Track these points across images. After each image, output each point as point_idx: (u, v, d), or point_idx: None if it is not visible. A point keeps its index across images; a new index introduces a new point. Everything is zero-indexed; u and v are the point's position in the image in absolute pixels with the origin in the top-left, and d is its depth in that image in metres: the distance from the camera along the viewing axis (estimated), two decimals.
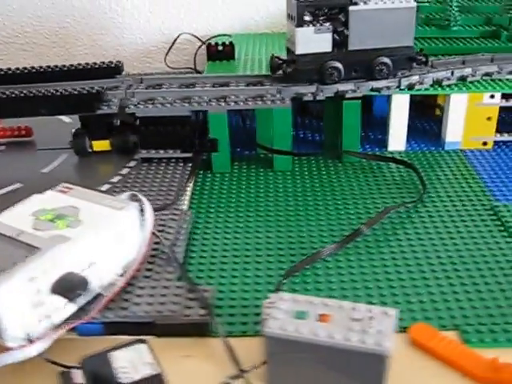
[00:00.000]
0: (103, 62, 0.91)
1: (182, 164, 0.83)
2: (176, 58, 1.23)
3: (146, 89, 0.86)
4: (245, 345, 0.54)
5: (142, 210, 0.62)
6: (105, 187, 0.79)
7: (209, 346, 0.55)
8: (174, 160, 0.84)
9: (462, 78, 0.88)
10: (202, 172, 0.85)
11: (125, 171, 0.83)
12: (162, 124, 0.82)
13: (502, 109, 0.87)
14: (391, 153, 0.89)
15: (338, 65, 0.82)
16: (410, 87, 0.85)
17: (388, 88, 0.84)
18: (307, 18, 0.80)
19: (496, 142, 0.90)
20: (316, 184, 0.81)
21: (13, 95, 0.82)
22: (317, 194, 0.79)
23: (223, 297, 0.61)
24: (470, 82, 0.87)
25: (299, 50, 0.81)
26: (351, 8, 0.80)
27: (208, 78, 0.87)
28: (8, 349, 0.50)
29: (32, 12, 1.19)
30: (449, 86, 0.86)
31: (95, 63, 0.91)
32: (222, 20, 1.20)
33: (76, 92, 0.81)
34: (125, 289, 0.59)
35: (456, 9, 1.00)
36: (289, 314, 0.50)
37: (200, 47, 1.17)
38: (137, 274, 0.61)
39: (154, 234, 0.64)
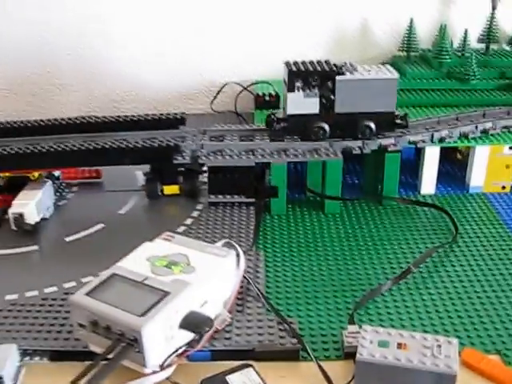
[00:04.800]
0: (168, 114, 1.04)
1: (245, 207, 0.95)
2: (216, 101, 1.37)
3: (211, 140, 0.98)
4: (328, 367, 0.66)
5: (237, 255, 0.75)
6: (181, 229, 0.91)
7: (298, 368, 0.67)
8: (237, 204, 0.97)
9: (485, 131, 1.01)
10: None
11: (195, 214, 0.95)
12: (229, 172, 0.94)
13: None
14: (423, 196, 1.02)
15: (324, 125, 0.94)
16: (441, 140, 0.98)
17: (423, 142, 0.97)
18: (298, 84, 0.92)
19: None
20: (363, 226, 0.94)
21: (101, 146, 0.94)
22: (365, 235, 0.92)
23: (303, 327, 0.73)
24: (491, 135, 1.01)
25: (289, 111, 0.94)
26: (338, 78, 0.92)
27: (262, 131, 1.00)
28: (145, 374, 0.62)
29: None
30: (473, 138, 1.00)
31: (162, 114, 1.04)
32: (259, 67, 1.33)
33: (156, 145, 0.93)
34: None
35: (475, 63, 1.14)
36: (373, 343, 0.62)
37: (241, 92, 1.32)
38: (231, 309, 0.73)
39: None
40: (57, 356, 0.69)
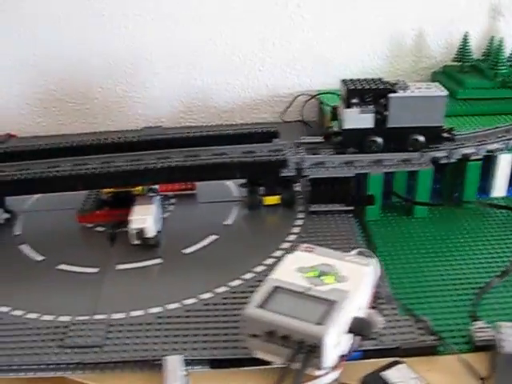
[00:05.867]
0: (262, 127, 1.12)
1: (344, 215, 1.04)
2: (280, 110, 1.46)
3: (307, 152, 1.07)
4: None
5: None
6: (291, 237, 0.99)
7: (438, 362, 0.77)
8: (336, 212, 1.05)
9: None
10: (357, 220, 1.06)
11: (299, 222, 1.03)
12: (329, 183, 1.03)
13: None
14: (496, 198, 1.13)
15: (378, 138, 1.04)
16: None
17: (500, 150, 1.07)
18: (355, 100, 1.01)
19: None
20: (451, 228, 1.04)
21: (212, 162, 1.01)
22: (457, 236, 1.02)
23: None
24: None
25: (346, 126, 1.03)
26: (391, 95, 1.01)
27: None
28: (316, 376, 0.71)
29: None
30: None
31: (255, 128, 1.12)
32: (322, 76, 1.43)
33: (264, 159, 1.01)
34: None
35: None
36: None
37: (308, 101, 1.41)
38: None
39: None
40: (217, 364, 0.76)
